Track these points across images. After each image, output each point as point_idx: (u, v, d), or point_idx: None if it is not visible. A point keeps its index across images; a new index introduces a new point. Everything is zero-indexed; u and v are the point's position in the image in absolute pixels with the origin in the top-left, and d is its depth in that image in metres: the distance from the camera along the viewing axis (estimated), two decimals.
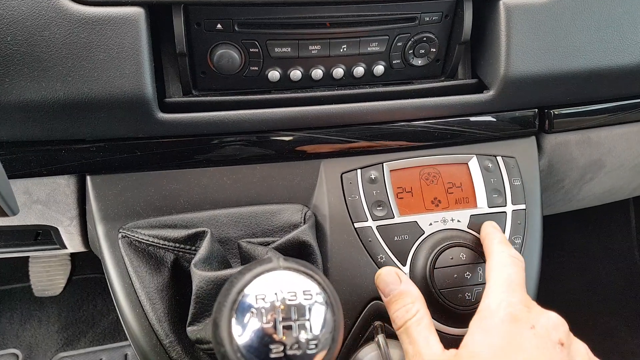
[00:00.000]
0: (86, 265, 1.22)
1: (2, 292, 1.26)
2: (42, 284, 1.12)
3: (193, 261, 0.47)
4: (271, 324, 0.31)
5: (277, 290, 0.32)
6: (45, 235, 0.78)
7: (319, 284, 0.32)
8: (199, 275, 0.45)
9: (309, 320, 0.31)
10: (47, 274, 1.12)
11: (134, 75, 0.48)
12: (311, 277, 0.32)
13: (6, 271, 1.27)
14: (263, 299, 0.31)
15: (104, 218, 0.54)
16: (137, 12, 0.48)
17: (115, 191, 0.54)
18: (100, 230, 0.54)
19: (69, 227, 0.64)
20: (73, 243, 0.70)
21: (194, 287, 0.45)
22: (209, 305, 0.44)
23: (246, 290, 0.32)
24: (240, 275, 0.33)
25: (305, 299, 0.31)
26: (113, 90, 0.48)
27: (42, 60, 0.46)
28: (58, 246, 0.76)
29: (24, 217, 0.60)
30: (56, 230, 0.67)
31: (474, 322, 0.45)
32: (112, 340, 1.23)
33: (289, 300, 0.31)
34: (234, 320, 0.31)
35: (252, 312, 0.31)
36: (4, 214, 0.36)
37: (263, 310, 0.31)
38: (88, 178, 0.54)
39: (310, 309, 0.31)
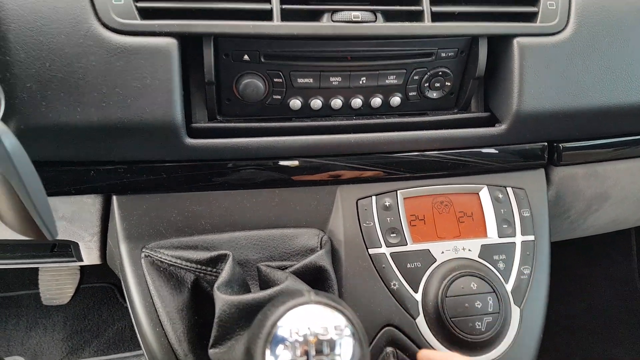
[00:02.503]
0: (93, 275, 1.23)
1: (9, 299, 1.27)
2: (51, 292, 1.14)
3: (216, 284, 0.48)
4: (304, 358, 0.32)
5: (309, 323, 0.33)
6: (62, 248, 0.80)
7: (348, 318, 0.34)
8: (222, 299, 0.46)
9: (339, 355, 0.33)
10: (56, 283, 1.14)
11: (165, 102, 0.50)
12: (341, 312, 0.34)
13: (14, 278, 1.28)
14: (297, 332, 0.33)
15: (128, 237, 0.56)
16: (170, 42, 0.50)
17: (140, 211, 0.56)
18: (123, 248, 0.56)
19: (89, 243, 0.66)
20: (90, 257, 0.72)
21: (217, 311, 0.47)
22: (231, 329, 0.45)
23: (279, 323, 0.34)
24: (274, 307, 0.34)
25: (336, 334, 0.33)
26: (145, 117, 0.50)
27: (79, 86, 0.48)
28: (74, 259, 0.78)
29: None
30: (76, 244, 0.68)
31: None
32: (116, 350, 1.24)
33: (321, 334, 0.33)
34: (267, 351, 0.33)
35: (286, 345, 0.33)
36: (43, 237, 0.38)
37: (296, 344, 0.33)
38: (114, 198, 0.56)
39: (340, 343, 0.33)
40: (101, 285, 1.30)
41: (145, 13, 0.50)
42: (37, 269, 1.19)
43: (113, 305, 1.28)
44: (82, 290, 1.25)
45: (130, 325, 1.22)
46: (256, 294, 0.47)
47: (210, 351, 0.46)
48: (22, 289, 1.27)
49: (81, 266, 1.20)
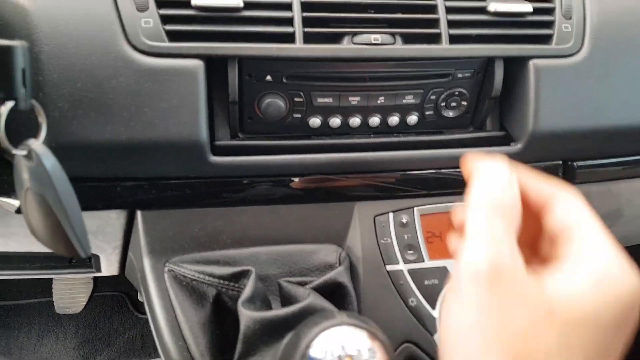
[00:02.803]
0: (105, 284, 1.25)
1: (21, 307, 1.28)
2: (65, 301, 1.15)
3: (240, 300, 0.50)
4: None
5: (342, 345, 0.34)
6: (79, 259, 0.82)
7: (381, 341, 0.35)
8: (247, 315, 0.48)
9: None
10: (70, 292, 1.15)
11: (191, 122, 0.52)
12: (373, 334, 0.35)
13: (26, 286, 1.30)
14: (331, 354, 0.34)
15: (151, 251, 0.57)
16: (197, 64, 0.51)
17: (163, 226, 0.57)
18: (146, 262, 0.57)
19: (110, 255, 0.67)
20: (110, 269, 0.74)
21: (241, 327, 0.48)
22: (255, 345, 0.46)
23: (313, 344, 0.35)
24: (307, 329, 0.35)
25: (369, 356, 0.34)
26: (171, 136, 0.51)
27: (109, 106, 0.50)
28: (92, 270, 0.79)
29: None
30: (97, 257, 0.70)
31: None
32: (127, 359, 1.25)
33: (355, 355, 0.34)
34: None
35: None
36: (77, 254, 0.39)
37: None
38: (138, 213, 0.57)
39: None
40: (112, 294, 1.31)
41: (172, 35, 0.51)
42: (50, 278, 1.20)
43: (124, 314, 1.30)
44: (94, 298, 1.27)
45: (141, 334, 1.23)
46: (279, 311, 0.48)
47: None
48: (34, 297, 1.29)
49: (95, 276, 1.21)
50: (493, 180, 0.34)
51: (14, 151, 0.38)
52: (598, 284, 0.30)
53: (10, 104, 0.36)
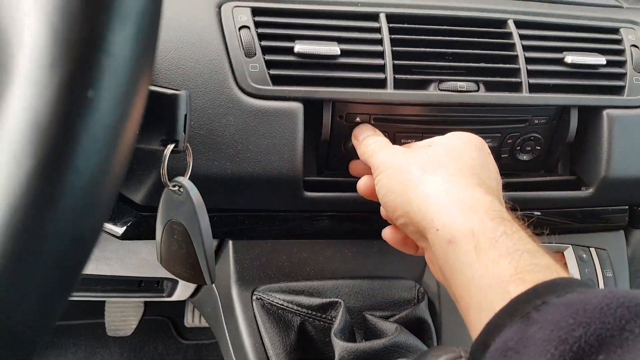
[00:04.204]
0: (155, 308, 1.27)
1: (69, 328, 1.31)
2: (116, 324, 1.18)
3: (333, 330, 0.52)
4: None
5: None
6: (148, 284, 0.85)
7: None
8: (341, 346, 0.50)
9: None
10: (121, 315, 1.18)
11: (290, 158, 0.55)
12: None
13: (74, 307, 1.33)
14: None
15: (240, 279, 0.60)
16: (297, 106, 0.55)
17: (252, 256, 0.60)
18: (235, 290, 0.60)
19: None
20: (183, 294, 0.76)
21: (336, 356, 0.50)
22: None
23: None
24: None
25: None
26: (271, 171, 0.55)
27: (217, 142, 0.54)
28: (162, 295, 0.82)
29: (158, 271, 0.66)
30: (176, 282, 0.73)
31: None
32: None
33: None
34: None
35: None
36: (204, 282, 0.42)
37: None
38: (230, 242, 0.60)
39: None
40: (156, 319, 1.33)
41: (275, 79, 0.56)
42: (102, 301, 1.23)
43: (168, 339, 1.31)
44: (142, 322, 1.29)
45: None
46: (372, 343, 0.50)
47: None
48: (83, 319, 1.31)
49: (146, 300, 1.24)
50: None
51: (170, 187, 0.41)
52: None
53: (171, 146, 0.40)
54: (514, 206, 0.46)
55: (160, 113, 0.38)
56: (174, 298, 0.81)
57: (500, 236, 0.36)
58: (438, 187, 0.42)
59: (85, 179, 0.17)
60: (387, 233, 0.53)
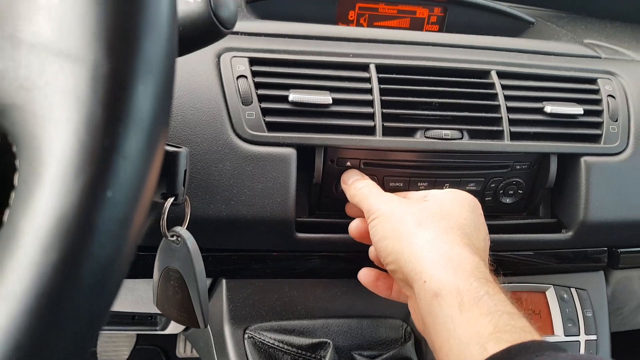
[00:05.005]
0: (147, 338, 1.27)
1: None
2: (107, 354, 1.18)
3: None
4: None
5: None
6: (142, 317, 0.86)
7: None
8: None
9: None
10: (114, 345, 1.18)
11: (282, 201, 0.58)
12: None
13: None
14: None
15: (232, 318, 0.62)
16: (290, 152, 0.58)
17: (245, 294, 0.62)
18: (227, 328, 0.61)
19: None
20: (177, 328, 0.78)
21: None
22: None
23: None
24: None
25: None
26: (264, 214, 0.57)
27: (214, 186, 0.56)
28: (156, 328, 0.83)
29: (154, 308, 0.67)
30: None
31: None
32: None
33: None
34: None
35: None
36: (197, 326, 0.44)
37: None
38: (223, 281, 0.62)
39: None
40: (148, 348, 1.33)
41: (270, 126, 0.58)
42: None
43: None
44: (134, 351, 1.29)
45: None
46: None
47: None
48: None
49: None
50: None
51: (168, 237, 0.44)
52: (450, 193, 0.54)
53: (171, 200, 0.42)
54: (496, 269, 0.48)
55: (162, 169, 0.41)
56: (167, 332, 0.82)
57: (483, 296, 0.39)
58: (430, 243, 0.45)
59: (100, 265, 0.19)
60: (361, 274, 0.57)
